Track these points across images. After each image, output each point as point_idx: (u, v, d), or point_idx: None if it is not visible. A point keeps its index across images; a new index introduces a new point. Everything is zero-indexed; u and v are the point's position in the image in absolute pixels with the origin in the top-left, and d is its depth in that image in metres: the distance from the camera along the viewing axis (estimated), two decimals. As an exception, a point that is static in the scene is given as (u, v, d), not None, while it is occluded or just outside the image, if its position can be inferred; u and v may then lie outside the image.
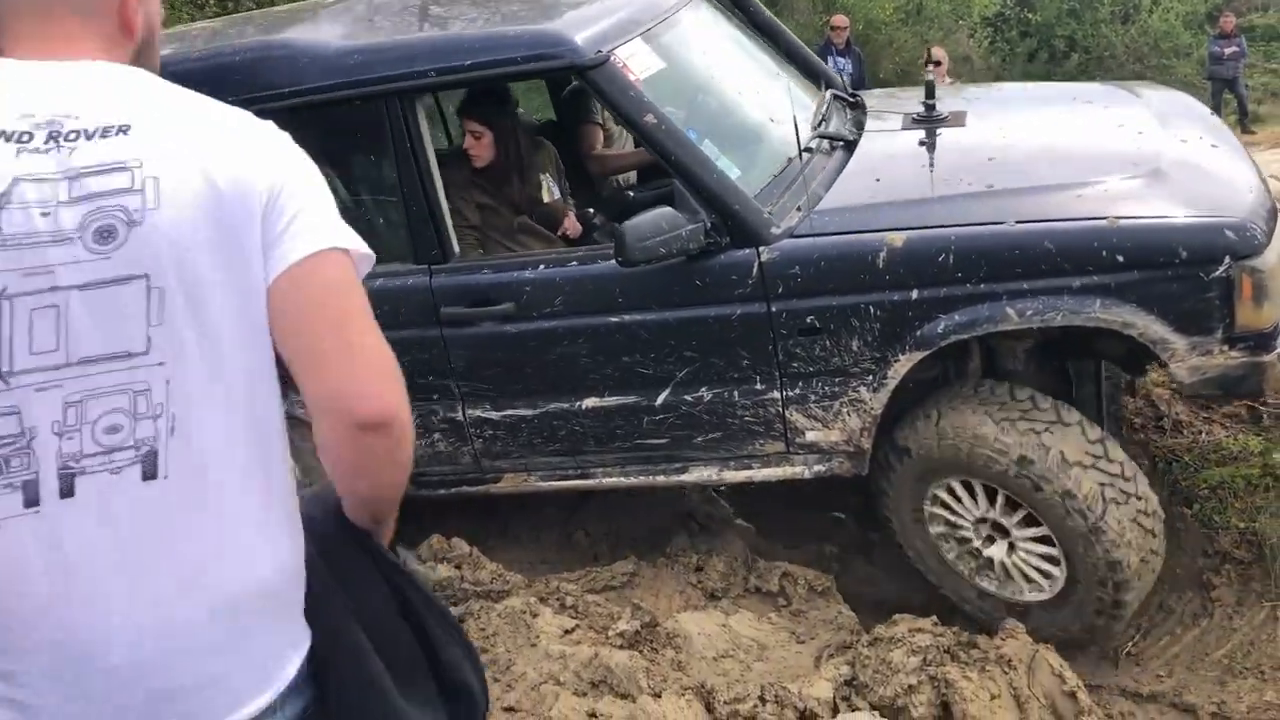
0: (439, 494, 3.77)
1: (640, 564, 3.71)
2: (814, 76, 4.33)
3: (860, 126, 3.88)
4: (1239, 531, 3.64)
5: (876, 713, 2.93)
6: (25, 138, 1.25)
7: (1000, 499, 3.26)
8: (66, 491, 1.22)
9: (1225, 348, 2.97)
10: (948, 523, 3.41)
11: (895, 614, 3.25)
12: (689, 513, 4.04)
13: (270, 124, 1.40)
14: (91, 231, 1.24)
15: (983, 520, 3.35)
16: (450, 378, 3.50)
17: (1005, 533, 3.34)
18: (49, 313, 1.22)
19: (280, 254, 1.31)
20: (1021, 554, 3.33)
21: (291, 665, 1.37)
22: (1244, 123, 13.49)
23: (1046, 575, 3.31)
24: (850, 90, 4.29)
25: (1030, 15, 13.99)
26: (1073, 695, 2.99)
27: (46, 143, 1.26)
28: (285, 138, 1.40)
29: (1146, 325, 2.96)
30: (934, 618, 3.23)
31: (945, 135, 3.63)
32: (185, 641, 1.28)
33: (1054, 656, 3.07)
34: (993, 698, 2.93)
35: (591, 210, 4.12)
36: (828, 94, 4.09)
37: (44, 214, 1.23)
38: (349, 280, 1.34)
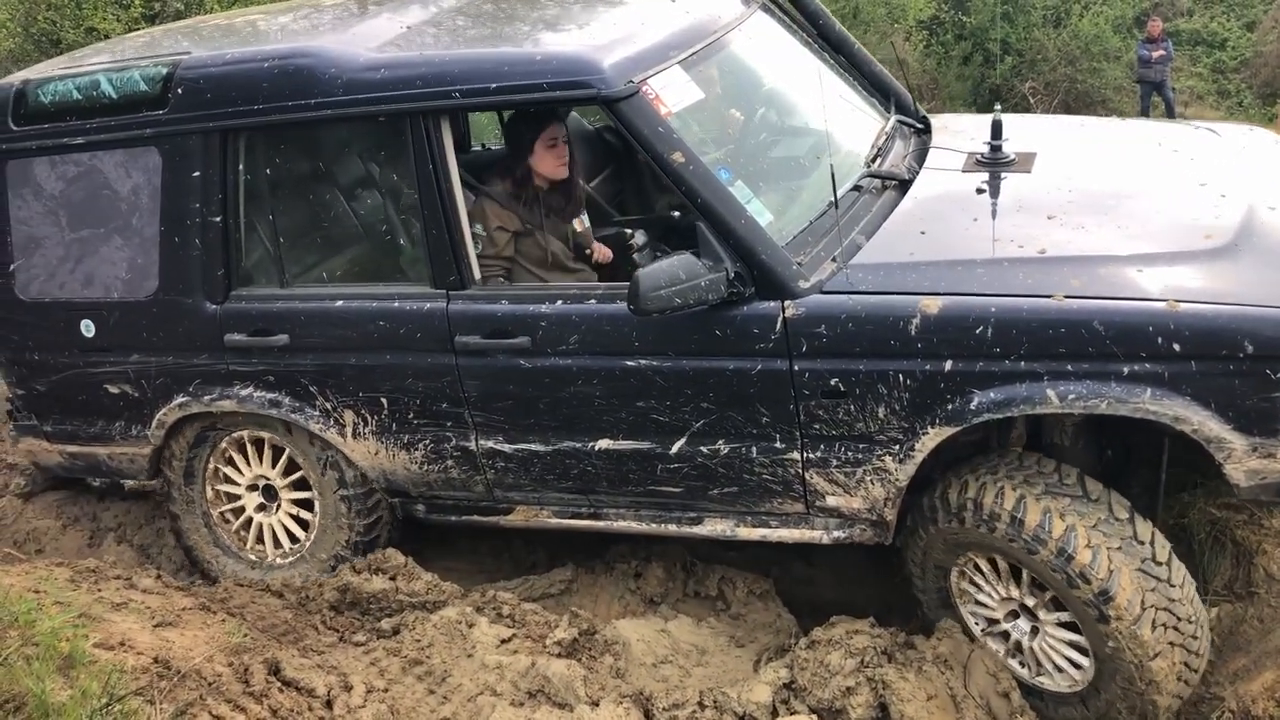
0: (450, 520, 3.68)
1: (578, 571, 3.67)
2: (884, 94, 4.06)
3: (921, 159, 3.61)
4: (1168, 528, 3.44)
5: (815, 716, 2.93)
6: None
7: (1025, 578, 3.04)
8: None
9: None
10: (975, 600, 3.20)
11: (834, 615, 3.21)
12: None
13: None
14: None
15: (1009, 599, 3.13)
16: (464, 406, 3.38)
17: (1034, 615, 3.11)
18: None
19: None
20: (1049, 640, 3.10)
21: None
22: None
23: (1076, 665, 3.08)
24: (918, 113, 4.01)
25: (965, 19, 13.74)
26: (1006, 695, 3.00)
27: None
28: None
29: (1201, 422, 2.68)
30: (871, 619, 3.17)
31: (1007, 183, 3.34)
32: None
33: (989, 657, 3.07)
34: (930, 698, 2.94)
35: (630, 230, 3.94)
36: (893, 119, 3.82)
37: None
38: None
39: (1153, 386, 2.69)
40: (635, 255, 3.91)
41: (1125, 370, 2.70)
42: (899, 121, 3.86)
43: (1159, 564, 2.89)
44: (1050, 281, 2.80)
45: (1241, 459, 2.69)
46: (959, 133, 3.79)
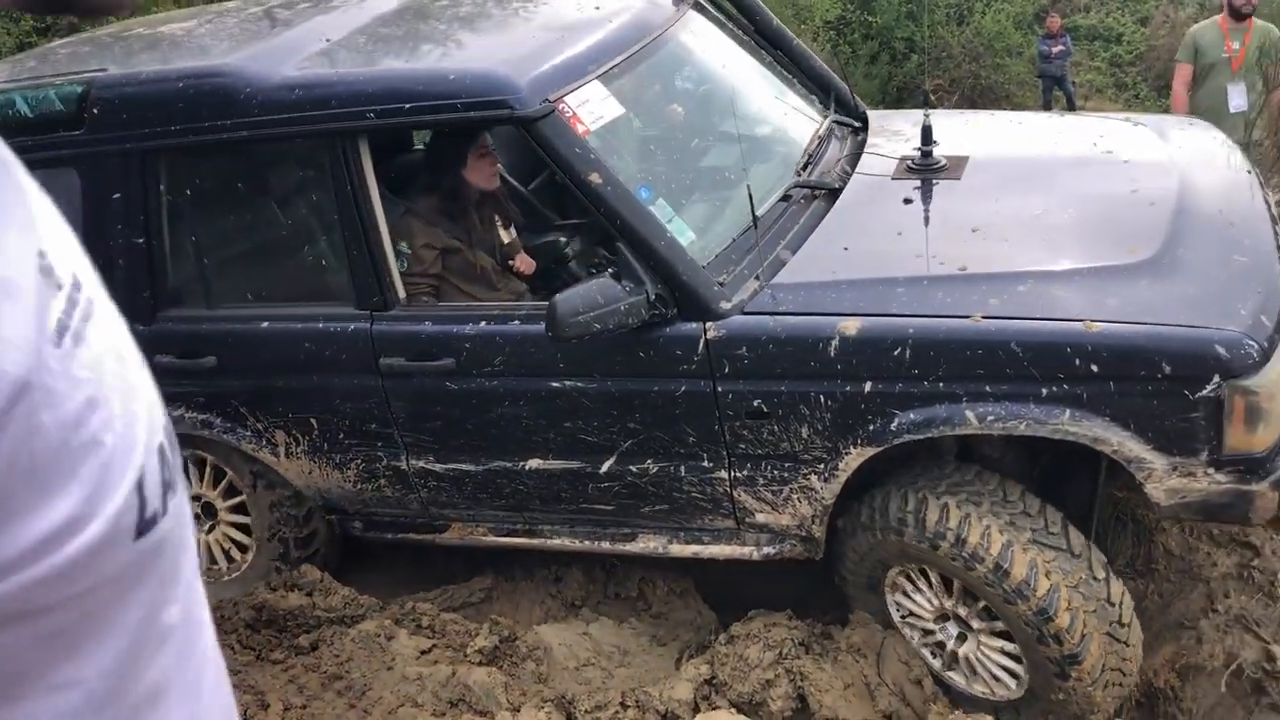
0: (388, 537, 3.66)
1: (498, 579, 3.67)
2: (824, 90, 3.99)
3: (854, 162, 3.55)
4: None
5: (735, 709, 2.96)
6: None
7: (956, 588, 3.03)
8: None
9: (1210, 470, 2.65)
10: (908, 610, 3.19)
11: (752, 609, 3.23)
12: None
13: None
14: None
15: (942, 611, 3.12)
16: (393, 427, 3.35)
17: (967, 626, 3.10)
18: None
19: None
20: (980, 654, 3.10)
21: None
22: None
23: (1011, 673, 3.08)
24: (858, 110, 3.94)
25: (871, 19, 13.76)
26: (919, 683, 3.06)
27: None
28: None
29: (1121, 442, 2.65)
30: (789, 611, 3.20)
31: (936, 191, 3.29)
32: None
33: (901, 644, 3.14)
34: (846, 687, 3.00)
35: (564, 239, 3.88)
36: (829, 119, 3.76)
37: None
38: None
39: (1071, 407, 2.66)
40: (571, 264, 3.86)
41: (1044, 391, 2.67)
42: (836, 121, 3.80)
43: (1123, 626, 2.88)
44: (969, 301, 2.76)
45: (1161, 479, 2.68)
46: (895, 134, 3.73)
